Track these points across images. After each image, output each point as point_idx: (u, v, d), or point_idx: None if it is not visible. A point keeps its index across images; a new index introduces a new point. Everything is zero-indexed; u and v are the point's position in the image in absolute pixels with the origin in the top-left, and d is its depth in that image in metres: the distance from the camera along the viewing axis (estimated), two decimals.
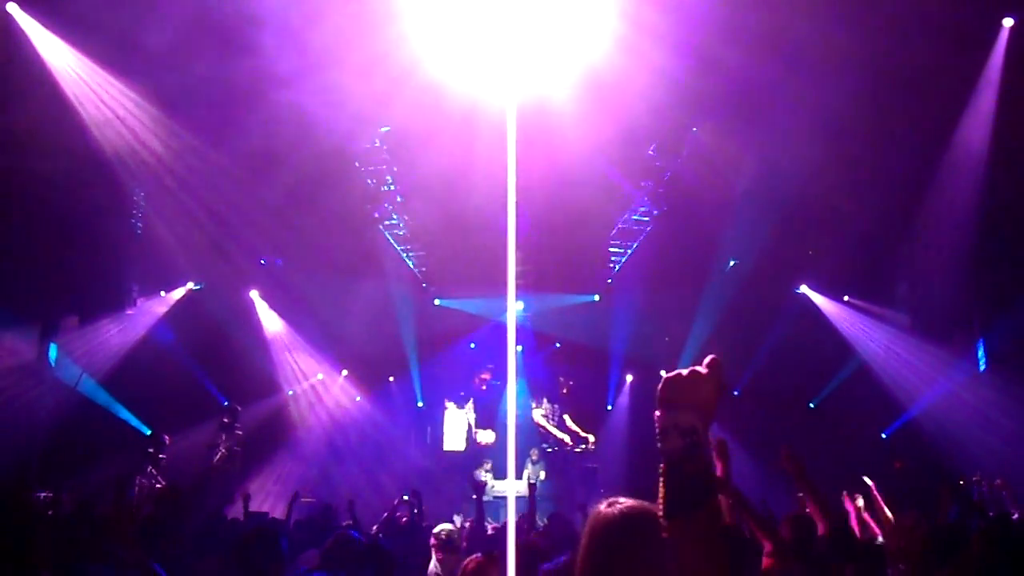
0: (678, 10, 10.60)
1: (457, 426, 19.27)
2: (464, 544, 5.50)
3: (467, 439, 18.94)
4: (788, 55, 11.11)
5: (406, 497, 9.93)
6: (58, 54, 11.71)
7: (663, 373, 1.85)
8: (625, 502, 2.20)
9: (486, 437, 18.57)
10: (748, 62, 11.32)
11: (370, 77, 11.75)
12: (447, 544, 5.26)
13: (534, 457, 18.21)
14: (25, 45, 11.34)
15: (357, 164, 15.37)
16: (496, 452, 18.49)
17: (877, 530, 5.71)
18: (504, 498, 16.73)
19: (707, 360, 1.63)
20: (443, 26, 10.78)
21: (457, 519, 12.80)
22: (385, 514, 9.62)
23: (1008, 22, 11.80)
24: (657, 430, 1.59)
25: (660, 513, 1.53)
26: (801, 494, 5.36)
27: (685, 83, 12.23)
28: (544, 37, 10.69)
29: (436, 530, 5.39)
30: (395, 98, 12.40)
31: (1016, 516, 7.62)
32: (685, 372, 1.62)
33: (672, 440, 1.55)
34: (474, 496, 8.84)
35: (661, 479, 1.55)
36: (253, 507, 9.85)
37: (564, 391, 19.02)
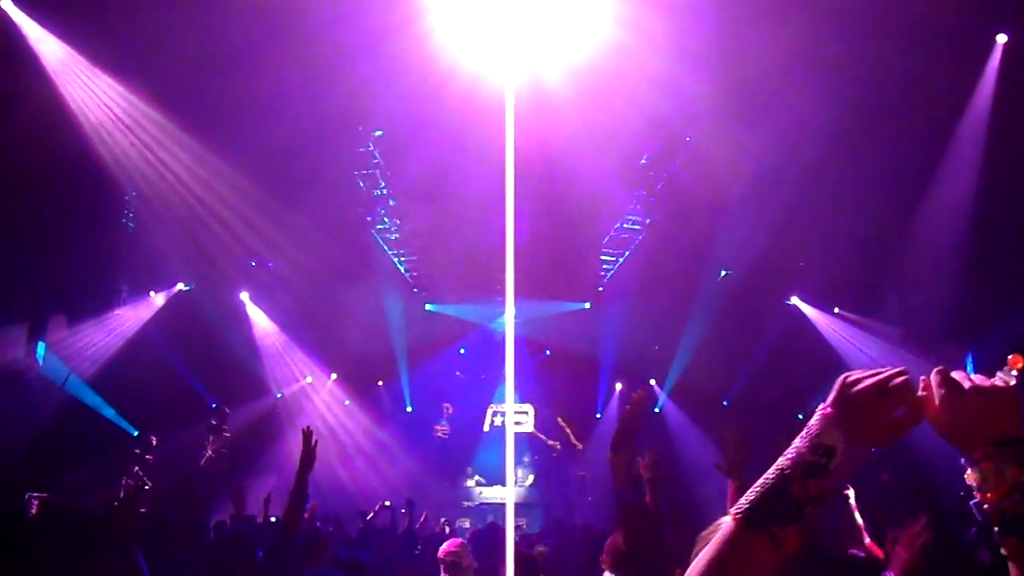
0: (675, 23, 10.62)
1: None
2: (467, 562, 5.42)
3: None
4: (782, 70, 11.15)
5: (387, 503, 9.89)
6: (51, 51, 11.66)
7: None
8: None
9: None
10: (743, 75, 11.36)
11: (364, 80, 11.76)
12: (453, 566, 5.20)
13: (525, 460, 18.20)
14: (18, 41, 11.29)
15: (350, 168, 15.35)
16: (483, 457, 18.46)
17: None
18: (491, 504, 16.74)
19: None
20: (438, 30, 10.78)
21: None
22: (366, 519, 9.59)
23: (1002, 38, 11.89)
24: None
25: None
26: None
27: (680, 94, 12.27)
28: (540, 45, 10.71)
29: (441, 553, 5.33)
30: (388, 102, 12.40)
31: None
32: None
33: None
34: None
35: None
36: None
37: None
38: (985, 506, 1.22)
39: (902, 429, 1.34)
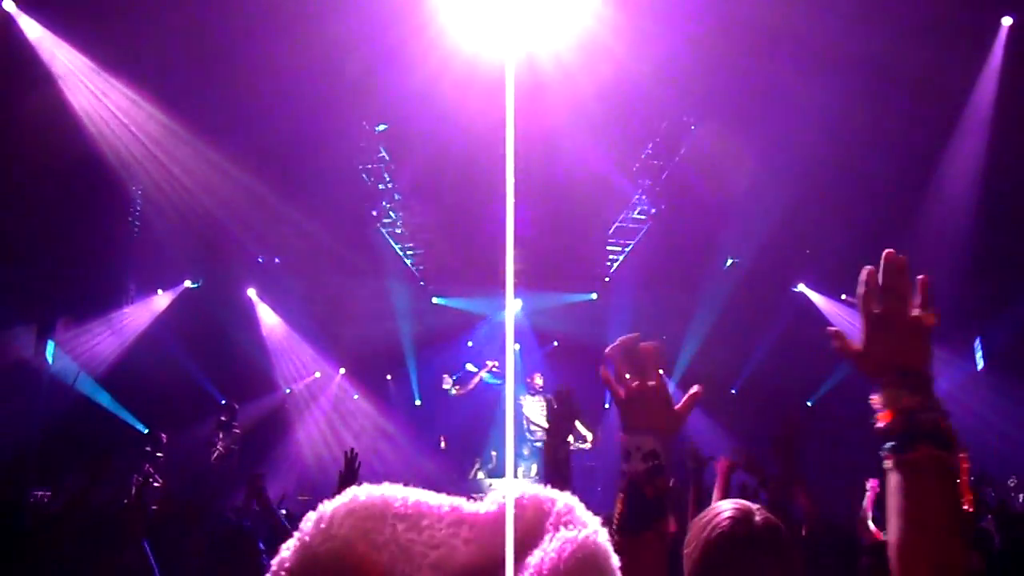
0: (679, 9, 10.59)
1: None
2: None
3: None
4: (787, 54, 11.10)
5: None
6: (55, 50, 11.67)
7: (660, 372, 1.87)
8: (761, 513, 2.24)
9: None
10: (747, 61, 11.32)
11: (367, 74, 11.74)
12: None
13: (525, 452, 18.10)
14: (21, 41, 11.30)
15: (355, 162, 15.34)
16: (487, 450, 18.45)
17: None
18: None
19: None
20: (441, 21, 10.77)
21: None
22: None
23: (1007, 21, 11.80)
24: (621, 452, 1.71)
25: (614, 527, 1.62)
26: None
27: (684, 81, 12.23)
28: (542, 35, 10.68)
29: None
30: (392, 95, 12.39)
31: None
32: (637, 392, 1.75)
33: (635, 463, 1.66)
34: None
35: (621, 495, 1.67)
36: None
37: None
38: (879, 424, 1.46)
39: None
